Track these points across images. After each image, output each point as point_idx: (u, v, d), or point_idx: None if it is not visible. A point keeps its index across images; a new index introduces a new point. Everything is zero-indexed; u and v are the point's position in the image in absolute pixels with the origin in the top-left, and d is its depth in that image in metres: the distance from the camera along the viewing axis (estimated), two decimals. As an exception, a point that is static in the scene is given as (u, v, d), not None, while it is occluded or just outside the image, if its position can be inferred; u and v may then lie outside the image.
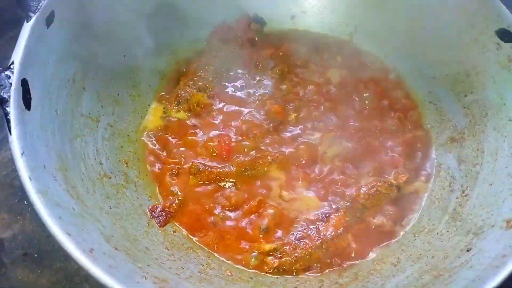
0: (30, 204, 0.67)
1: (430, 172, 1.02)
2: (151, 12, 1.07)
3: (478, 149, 0.97)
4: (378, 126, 1.07)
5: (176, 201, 0.95)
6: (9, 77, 0.71)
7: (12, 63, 0.73)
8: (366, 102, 1.11)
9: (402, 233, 0.94)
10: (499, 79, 0.96)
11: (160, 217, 0.92)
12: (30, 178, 0.66)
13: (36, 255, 0.98)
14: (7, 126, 0.70)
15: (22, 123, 0.71)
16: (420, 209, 0.97)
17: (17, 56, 0.74)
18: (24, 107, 0.73)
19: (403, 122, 1.09)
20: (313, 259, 0.89)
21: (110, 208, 0.84)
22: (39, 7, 0.78)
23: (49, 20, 0.81)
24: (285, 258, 0.88)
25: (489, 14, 0.96)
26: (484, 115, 0.99)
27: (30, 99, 0.75)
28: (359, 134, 1.06)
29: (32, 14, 0.78)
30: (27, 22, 0.77)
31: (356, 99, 1.12)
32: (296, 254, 0.88)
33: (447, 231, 0.89)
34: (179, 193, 0.97)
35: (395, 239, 0.94)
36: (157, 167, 1.00)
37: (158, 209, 0.93)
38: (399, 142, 1.05)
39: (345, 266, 0.89)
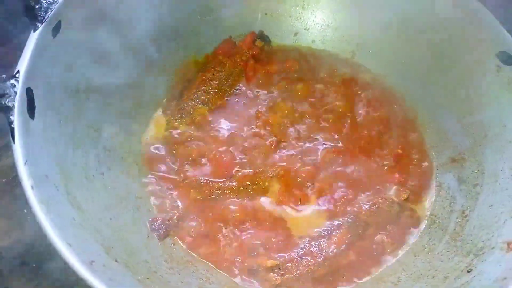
0: (30, 213, 0.66)
1: (431, 192, 1.03)
2: (157, 25, 1.08)
3: (478, 170, 0.98)
4: (379, 143, 1.08)
5: (176, 215, 0.94)
6: (14, 86, 0.71)
7: (18, 72, 0.73)
8: (367, 120, 1.12)
9: (402, 252, 0.94)
10: (500, 101, 0.97)
11: (160, 230, 0.91)
12: (32, 187, 0.66)
13: (34, 265, 0.96)
14: (10, 135, 0.69)
15: (26, 132, 0.70)
16: (420, 228, 0.97)
17: (22, 65, 0.74)
18: (28, 116, 0.73)
19: (403, 141, 1.09)
20: (315, 277, 0.88)
21: (110, 219, 0.84)
22: (46, 17, 0.79)
23: (55, 30, 0.81)
24: (287, 275, 0.87)
25: (490, 37, 0.98)
26: (484, 136, 0.99)
27: (34, 108, 0.75)
28: (359, 152, 1.06)
29: (39, 24, 0.78)
30: (34, 31, 0.78)
31: (357, 116, 1.13)
32: (298, 271, 0.88)
33: (447, 251, 0.89)
34: (179, 207, 0.96)
35: (396, 258, 0.93)
36: (158, 180, 1.00)
37: (158, 222, 0.92)
38: (400, 161, 1.05)
39: (346, 284, 0.89)
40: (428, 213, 1.00)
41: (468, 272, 0.80)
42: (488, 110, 0.99)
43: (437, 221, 0.97)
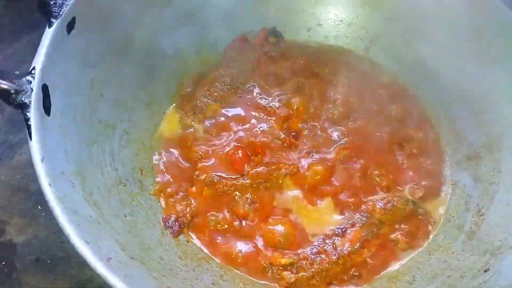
0: (44, 209, 0.67)
1: (446, 190, 1.02)
2: (171, 21, 1.07)
3: (494, 168, 0.96)
4: (393, 141, 1.07)
5: (190, 212, 0.94)
6: (30, 82, 0.71)
7: (33, 68, 0.73)
8: (381, 118, 1.11)
9: (417, 251, 0.93)
10: (516, 97, 0.96)
11: (174, 227, 0.91)
12: (50, 185, 0.66)
13: (49, 261, 0.97)
14: (27, 131, 0.70)
15: (42, 128, 0.71)
16: (435, 227, 0.96)
17: (38, 61, 0.74)
18: (44, 112, 0.73)
19: (418, 138, 1.08)
20: (329, 275, 0.88)
21: (126, 216, 0.84)
22: (61, 13, 0.79)
23: (70, 26, 0.81)
24: (301, 274, 0.87)
25: (507, 32, 0.96)
26: (500, 133, 0.98)
27: (50, 104, 0.75)
28: (374, 149, 1.05)
29: (53, 20, 0.78)
30: (49, 28, 0.77)
31: (371, 114, 1.12)
32: (312, 269, 0.87)
33: (463, 250, 0.88)
34: (193, 204, 0.96)
35: (411, 256, 0.92)
36: (171, 176, 0.99)
37: (172, 219, 0.92)
38: (415, 158, 1.04)
39: (361, 282, 0.88)
40: (443, 211, 0.99)
41: (485, 271, 0.80)
42: (505, 107, 0.98)
43: (452, 220, 0.96)
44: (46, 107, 0.74)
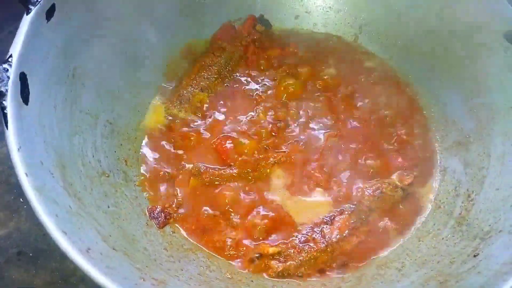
0: (26, 202, 0.65)
1: (435, 176, 1.01)
2: (155, 9, 1.05)
3: (484, 153, 0.95)
4: (382, 128, 1.06)
5: (176, 202, 0.93)
6: (7, 70, 0.69)
7: (10, 56, 0.71)
8: (371, 104, 1.09)
9: (407, 237, 0.92)
10: (507, 82, 0.94)
11: (159, 218, 0.90)
12: (26, 174, 0.64)
13: (31, 254, 0.95)
14: (3, 121, 0.68)
15: (20, 117, 0.69)
16: (425, 213, 0.95)
17: (15, 49, 0.72)
18: (22, 101, 0.71)
19: (408, 124, 1.07)
20: (318, 263, 0.87)
21: (108, 207, 0.82)
22: (39, 0, 0.76)
23: (49, 13, 0.79)
24: (289, 262, 0.86)
25: (497, 16, 0.95)
26: (490, 118, 0.97)
27: (28, 93, 0.73)
28: (363, 136, 1.04)
29: (32, 7, 0.76)
30: (27, 14, 0.75)
31: (360, 100, 1.10)
32: (300, 258, 0.86)
33: (453, 236, 0.87)
34: (179, 194, 0.94)
35: (400, 243, 0.92)
36: (157, 167, 0.98)
37: (157, 210, 0.91)
38: (404, 145, 1.03)
39: (349, 270, 0.87)
40: (433, 197, 0.98)
41: (475, 256, 0.79)
42: (495, 91, 0.97)
43: (442, 206, 0.95)
44: (24, 96, 0.72)
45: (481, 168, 0.94)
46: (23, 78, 0.72)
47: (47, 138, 0.76)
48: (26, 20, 0.75)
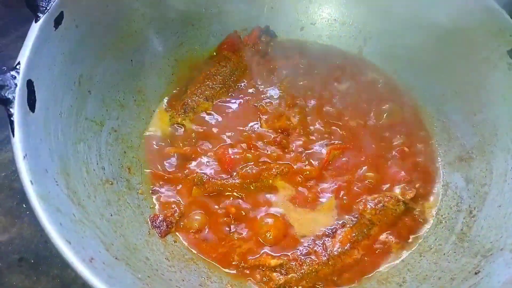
0: (29, 208, 0.65)
1: (437, 191, 1.01)
2: (162, 18, 1.06)
3: (486, 169, 0.96)
4: (385, 141, 1.06)
5: (178, 212, 0.93)
6: (15, 78, 0.70)
7: (18, 63, 0.71)
8: (374, 117, 1.10)
9: (408, 252, 0.92)
10: (510, 98, 0.95)
11: (161, 227, 0.90)
12: (31, 182, 0.64)
13: (32, 261, 0.95)
14: (10, 128, 0.68)
15: (26, 125, 0.69)
16: (426, 228, 0.95)
17: (23, 56, 0.72)
18: (28, 108, 0.71)
19: (411, 139, 1.07)
20: (319, 276, 0.87)
21: (111, 215, 0.82)
22: (48, 8, 0.77)
23: (57, 21, 0.80)
24: (291, 275, 0.86)
25: (501, 33, 0.95)
26: (493, 135, 0.97)
27: (35, 100, 0.73)
28: (366, 150, 1.04)
29: (40, 15, 0.77)
30: (36, 22, 0.76)
31: (363, 113, 1.11)
32: (302, 271, 0.86)
33: (454, 252, 0.87)
34: (181, 204, 0.95)
35: (401, 258, 0.91)
36: (160, 176, 0.98)
37: (159, 219, 0.91)
38: (407, 159, 1.04)
39: (350, 284, 0.87)
40: (435, 212, 0.98)
41: (476, 274, 0.79)
42: (498, 108, 0.97)
43: (443, 221, 0.95)
44: (31, 103, 0.72)
45: (483, 184, 0.94)
46: (30, 85, 0.72)
47: (52, 146, 0.76)
48: (35, 28, 0.75)
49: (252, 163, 1.00)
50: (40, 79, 0.75)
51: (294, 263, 0.87)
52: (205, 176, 0.97)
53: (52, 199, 0.67)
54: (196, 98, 1.09)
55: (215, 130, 1.05)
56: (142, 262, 0.78)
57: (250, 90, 1.13)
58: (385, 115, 1.10)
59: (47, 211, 0.64)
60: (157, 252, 0.85)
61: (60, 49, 0.82)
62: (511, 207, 0.86)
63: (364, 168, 1.01)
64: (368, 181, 0.99)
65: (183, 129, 1.05)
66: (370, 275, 0.89)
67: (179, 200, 0.95)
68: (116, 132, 0.97)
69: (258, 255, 0.89)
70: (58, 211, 0.67)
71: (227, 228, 0.92)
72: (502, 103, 0.96)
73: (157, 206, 0.94)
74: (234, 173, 0.99)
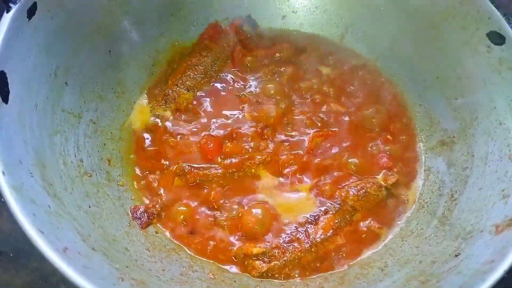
0: (6, 202, 0.64)
1: (419, 176, 1.01)
2: (140, 8, 1.05)
3: (468, 153, 0.96)
4: (367, 128, 1.06)
5: (159, 202, 0.92)
6: (-14, 69, 0.69)
7: (-10, 55, 0.71)
8: (356, 103, 1.10)
9: (390, 237, 0.93)
10: (490, 82, 0.95)
11: (142, 219, 0.89)
12: (3, 173, 0.64)
13: (11, 255, 0.94)
14: (-18, 120, 0.67)
15: (-2, 116, 0.68)
16: (408, 213, 0.96)
17: (-5, 48, 0.71)
18: (1, 100, 0.71)
19: (392, 124, 1.07)
20: (302, 263, 0.87)
21: (89, 207, 0.82)
22: (20, -1, 0.76)
23: (31, 11, 0.79)
24: (273, 263, 0.86)
25: (480, 16, 0.95)
26: (474, 118, 0.97)
27: (8, 92, 0.73)
28: (348, 136, 1.04)
29: (12, 5, 0.76)
30: (7, 13, 0.75)
31: (346, 100, 1.11)
32: (285, 258, 0.86)
33: (436, 236, 0.88)
34: (163, 194, 0.94)
35: (383, 243, 0.92)
36: (141, 167, 0.97)
37: (140, 210, 0.90)
38: (388, 144, 1.03)
39: (333, 270, 0.87)
40: (417, 197, 0.98)
41: (456, 256, 0.79)
42: (478, 92, 0.97)
43: (425, 206, 0.96)
44: (4, 95, 0.72)
45: (464, 168, 0.94)
46: (2, 77, 0.71)
47: (27, 137, 0.75)
48: (6, 19, 0.75)
49: (235, 152, 1.00)
50: (13, 71, 0.74)
51: (276, 251, 0.87)
52: (187, 166, 0.97)
53: (25, 190, 0.67)
54: (177, 88, 1.08)
55: (197, 120, 1.05)
56: (121, 253, 0.78)
57: (232, 80, 1.12)
58: (367, 102, 1.10)
59: (20, 202, 0.64)
60: (138, 243, 0.84)
61: (34, 41, 0.81)
62: (491, 190, 0.86)
63: (346, 154, 1.01)
64: (351, 168, 0.99)
65: (163, 120, 1.04)
66: (352, 260, 0.89)
67: (161, 191, 0.94)
68: (95, 124, 0.96)
69: (241, 244, 0.89)
70: (32, 202, 0.67)
71: (210, 219, 0.92)
72: (482, 87, 0.96)
73: (137, 198, 0.93)
74: (217, 163, 0.98)
